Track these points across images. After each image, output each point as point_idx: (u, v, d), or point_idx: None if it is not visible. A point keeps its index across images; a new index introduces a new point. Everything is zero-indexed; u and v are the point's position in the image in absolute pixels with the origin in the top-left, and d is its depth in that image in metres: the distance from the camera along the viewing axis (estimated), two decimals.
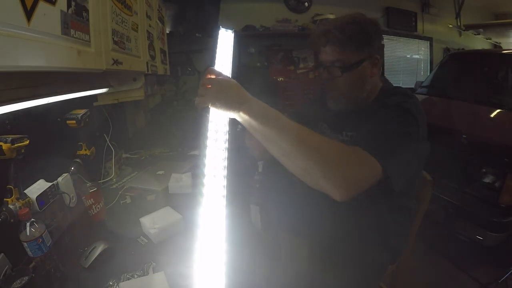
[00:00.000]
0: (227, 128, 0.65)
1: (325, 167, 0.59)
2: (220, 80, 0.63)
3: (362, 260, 0.88)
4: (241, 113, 0.60)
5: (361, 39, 0.80)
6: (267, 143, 0.62)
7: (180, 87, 2.85)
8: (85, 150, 1.13)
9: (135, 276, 0.74)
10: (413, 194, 0.95)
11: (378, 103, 0.82)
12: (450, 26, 4.68)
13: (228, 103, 0.60)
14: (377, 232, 0.91)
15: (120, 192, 1.21)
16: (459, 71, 2.76)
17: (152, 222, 0.90)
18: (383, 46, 0.86)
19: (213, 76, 0.64)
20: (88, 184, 1.04)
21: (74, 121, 1.08)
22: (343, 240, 0.96)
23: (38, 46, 0.52)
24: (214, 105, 0.61)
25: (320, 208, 0.72)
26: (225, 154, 0.61)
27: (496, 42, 4.82)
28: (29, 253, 0.70)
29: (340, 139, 0.88)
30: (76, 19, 0.65)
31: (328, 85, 0.88)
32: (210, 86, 0.61)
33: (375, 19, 0.84)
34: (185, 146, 1.77)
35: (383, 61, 0.87)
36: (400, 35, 4.34)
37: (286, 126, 0.60)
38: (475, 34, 4.66)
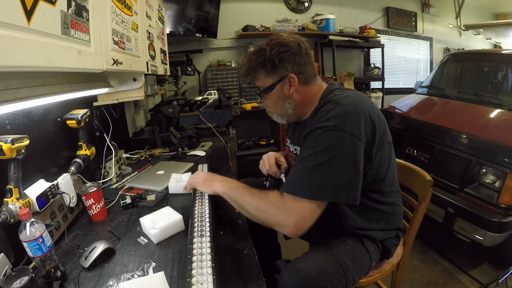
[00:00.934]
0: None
1: (270, 220, 0.82)
2: (202, 175, 1.01)
3: (339, 247, 0.89)
4: (217, 189, 0.91)
5: (267, 66, 0.87)
6: (235, 203, 0.88)
7: (180, 87, 2.85)
8: (85, 150, 1.14)
9: (135, 276, 0.74)
10: (387, 190, 0.95)
11: (313, 115, 0.90)
12: (450, 26, 4.68)
13: (208, 187, 0.95)
14: (354, 227, 0.93)
15: (120, 192, 1.21)
16: (459, 71, 2.77)
17: (152, 222, 0.90)
18: (302, 58, 0.88)
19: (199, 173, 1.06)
20: (88, 184, 1.04)
21: (74, 121, 1.08)
22: (324, 233, 0.99)
23: (38, 46, 0.52)
24: (201, 189, 0.98)
25: None
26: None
27: (496, 42, 4.82)
28: (29, 253, 0.70)
29: (295, 153, 1.02)
30: (76, 19, 0.65)
31: (264, 105, 1.01)
32: (198, 179, 0.99)
33: (283, 37, 0.89)
34: (185, 146, 1.77)
35: (320, 68, 0.94)
36: (400, 35, 4.34)
37: (241, 192, 0.87)
38: (475, 34, 4.67)
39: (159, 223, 0.89)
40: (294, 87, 0.89)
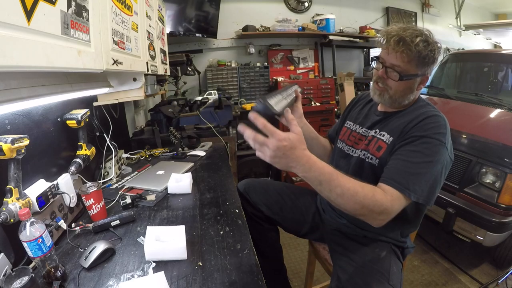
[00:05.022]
0: None
1: (367, 217, 0.78)
2: (282, 145, 0.65)
3: (390, 270, 0.92)
4: (298, 173, 0.70)
5: (427, 59, 0.89)
6: (319, 191, 0.75)
7: (180, 87, 2.85)
8: (85, 150, 1.13)
9: (135, 276, 0.74)
10: None
11: (408, 110, 0.97)
12: (450, 26, 4.68)
13: (285, 167, 0.69)
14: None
15: (120, 192, 1.21)
16: (459, 71, 2.77)
17: (154, 236, 0.83)
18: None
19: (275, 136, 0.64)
20: (88, 184, 1.04)
21: (74, 121, 1.08)
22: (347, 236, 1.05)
23: (38, 46, 0.52)
24: (273, 163, 0.68)
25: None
26: None
27: (496, 42, 4.82)
28: (29, 253, 0.70)
29: (370, 134, 1.01)
30: (76, 19, 0.65)
31: (379, 80, 0.97)
32: (270, 145, 0.64)
33: (438, 42, 0.91)
34: (185, 146, 1.77)
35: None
36: None
37: (333, 187, 0.73)
38: (475, 34, 4.67)
39: (160, 240, 0.82)
40: (423, 85, 0.97)
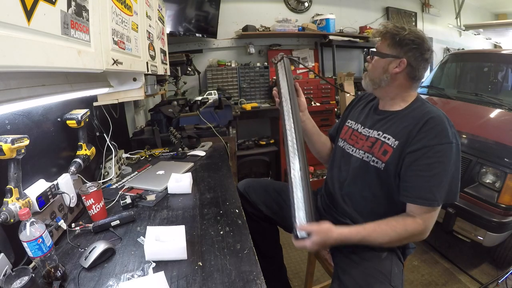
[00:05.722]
0: None
1: (411, 241, 0.97)
2: (316, 247, 0.85)
3: (391, 271, 0.94)
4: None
5: (395, 40, 0.95)
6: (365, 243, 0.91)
7: (180, 87, 2.85)
8: (85, 150, 1.14)
9: (135, 276, 0.74)
10: None
11: (407, 111, 0.99)
12: (450, 26, 4.68)
13: (326, 247, 0.96)
14: None
15: (120, 192, 1.21)
16: (459, 71, 2.77)
17: (154, 236, 0.83)
18: (422, 60, 0.96)
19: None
20: (88, 184, 1.04)
21: (74, 121, 1.08)
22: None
23: (38, 46, 0.52)
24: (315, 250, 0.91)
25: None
26: None
27: (496, 42, 4.82)
28: (29, 253, 0.70)
29: (372, 135, 1.03)
30: (76, 19, 0.65)
31: (367, 66, 1.07)
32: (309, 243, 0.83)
33: (423, 36, 0.96)
34: (185, 146, 1.77)
35: (419, 73, 1.00)
36: None
37: (369, 243, 0.90)
38: (475, 34, 4.66)
39: (160, 240, 0.82)
40: (399, 70, 0.97)
